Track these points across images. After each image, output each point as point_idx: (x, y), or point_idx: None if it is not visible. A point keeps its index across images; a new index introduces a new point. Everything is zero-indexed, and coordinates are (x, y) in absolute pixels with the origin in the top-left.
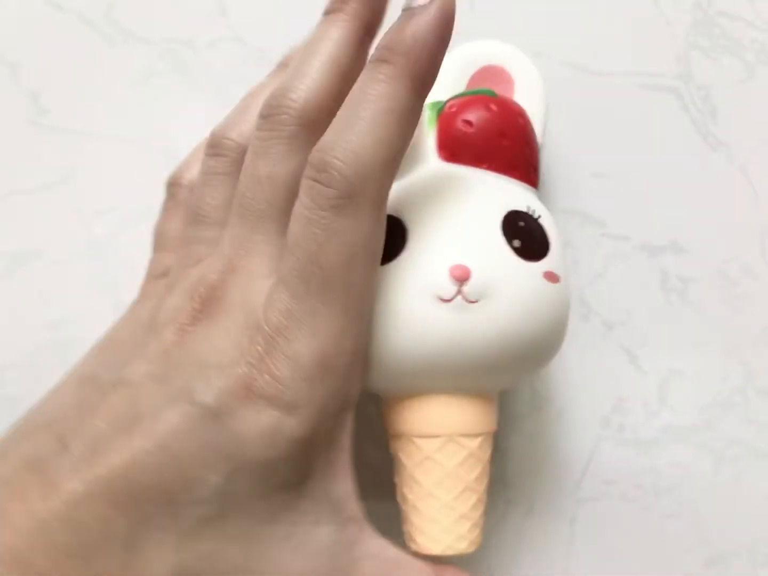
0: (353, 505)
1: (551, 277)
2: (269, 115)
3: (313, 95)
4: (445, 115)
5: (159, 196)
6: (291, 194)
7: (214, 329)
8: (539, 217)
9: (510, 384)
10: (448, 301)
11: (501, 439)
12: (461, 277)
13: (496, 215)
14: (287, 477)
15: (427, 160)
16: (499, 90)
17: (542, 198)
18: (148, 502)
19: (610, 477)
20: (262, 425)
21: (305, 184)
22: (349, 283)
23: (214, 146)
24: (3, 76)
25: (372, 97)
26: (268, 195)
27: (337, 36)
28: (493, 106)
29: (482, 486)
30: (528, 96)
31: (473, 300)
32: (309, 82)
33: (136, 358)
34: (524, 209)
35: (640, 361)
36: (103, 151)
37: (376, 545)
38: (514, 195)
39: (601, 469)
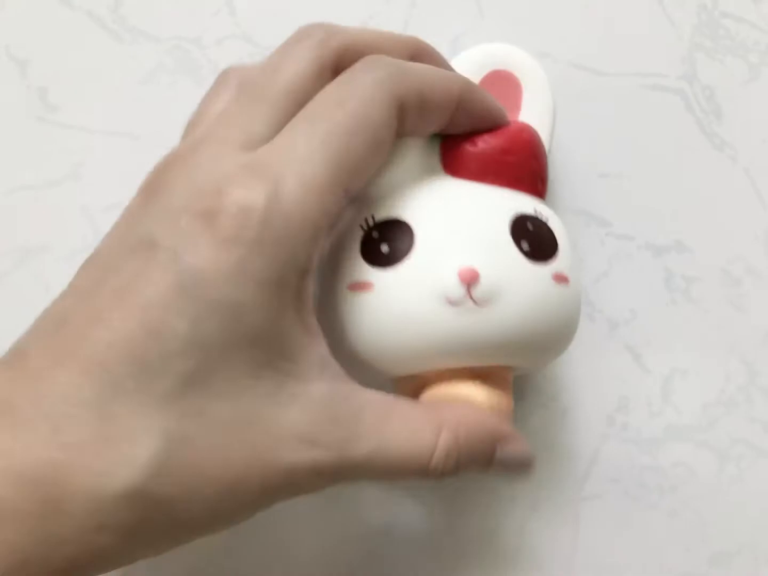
0: (337, 368)
1: (560, 278)
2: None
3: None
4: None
5: None
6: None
7: (180, 171)
8: (547, 219)
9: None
10: (457, 303)
11: None
12: (470, 279)
13: (504, 218)
14: (258, 324)
15: (433, 173)
16: (507, 94)
17: (548, 198)
18: (118, 363)
19: (614, 475)
20: (226, 263)
21: None
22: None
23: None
24: (12, 72)
25: None
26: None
27: None
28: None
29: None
30: (536, 100)
31: (482, 302)
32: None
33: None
34: (532, 212)
35: (644, 360)
36: (110, 147)
37: (374, 394)
38: (521, 200)
39: (605, 468)
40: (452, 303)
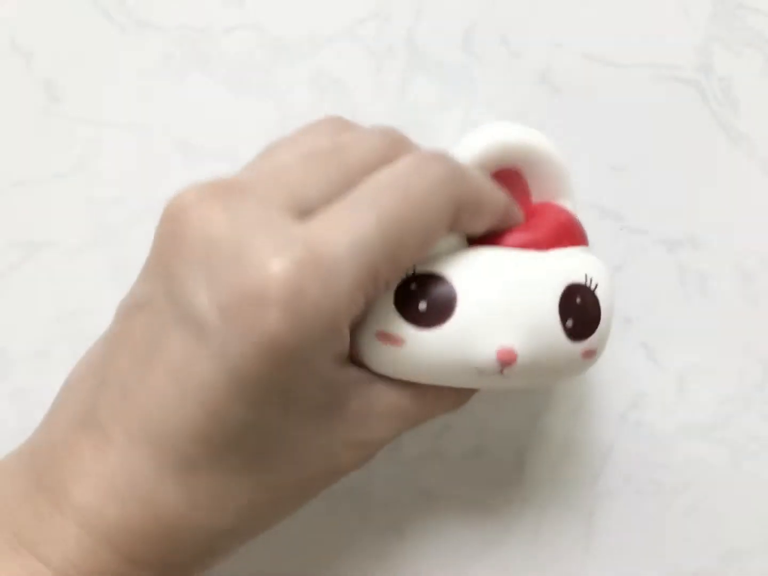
0: (364, 375)
1: (589, 354)
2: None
3: None
4: None
5: (173, 184)
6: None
7: (225, 229)
8: (596, 286)
9: None
10: (487, 375)
11: (519, 435)
12: (507, 362)
13: (555, 291)
14: (310, 395)
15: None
16: (515, 187)
17: None
18: (189, 444)
19: (628, 472)
20: (278, 350)
21: None
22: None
23: None
24: (17, 64)
25: None
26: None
27: None
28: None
29: None
30: (549, 185)
31: (509, 374)
32: None
33: (147, 272)
34: (582, 281)
35: (659, 356)
36: (117, 139)
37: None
38: (572, 263)
39: (618, 465)
40: (482, 374)
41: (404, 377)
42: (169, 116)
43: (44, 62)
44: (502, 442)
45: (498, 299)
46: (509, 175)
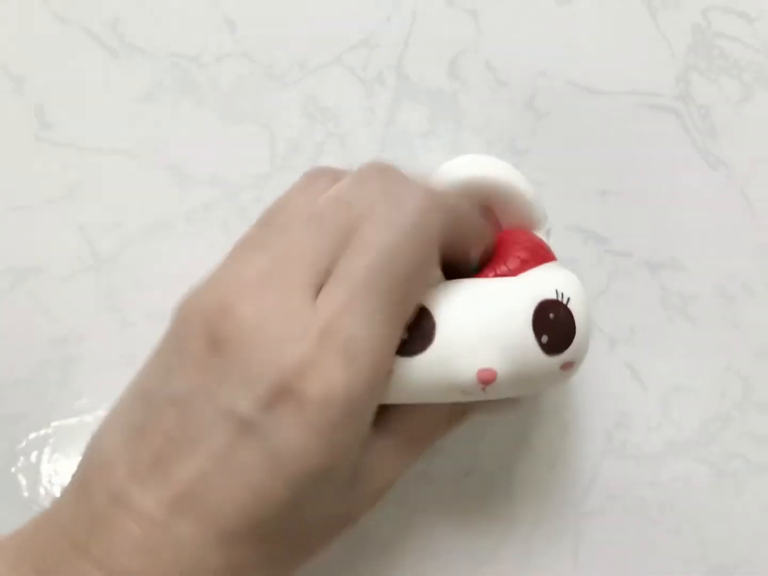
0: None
1: (568, 366)
2: None
3: None
4: None
5: (164, 211)
6: None
7: (250, 321)
8: (568, 300)
9: None
10: (470, 393)
11: (506, 454)
12: (488, 381)
13: (527, 309)
14: (342, 476)
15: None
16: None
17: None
18: (238, 524)
19: (614, 491)
20: (315, 442)
21: None
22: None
23: None
24: (8, 89)
25: None
26: None
27: None
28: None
29: None
30: (516, 213)
31: (493, 391)
32: None
33: (180, 369)
34: (553, 296)
35: (643, 377)
36: (108, 165)
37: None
38: (541, 281)
39: (605, 484)
40: (465, 392)
41: (393, 401)
42: (159, 142)
43: (35, 87)
44: (491, 461)
45: (474, 324)
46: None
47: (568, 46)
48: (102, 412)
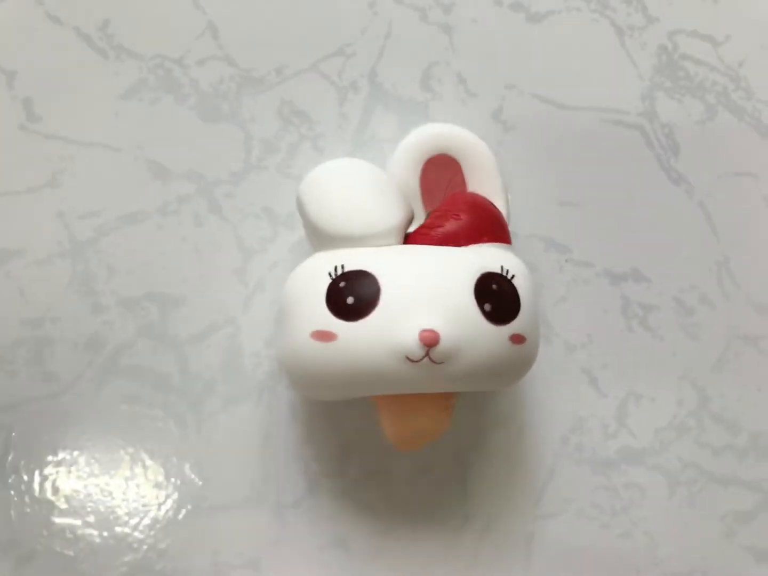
0: None
1: (518, 339)
2: None
3: None
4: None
5: (141, 203)
6: None
7: None
8: (513, 277)
9: None
10: (416, 361)
11: (461, 455)
12: (430, 342)
13: (469, 277)
14: None
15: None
16: (451, 175)
17: (511, 224)
18: None
19: (569, 495)
20: None
21: None
22: None
23: None
24: None
25: None
26: None
27: None
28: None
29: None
30: (483, 177)
31: (439, 361)
32: None
33: None
34: (498, 270)
35: (600, 384)
36: (90, 158)
37: None
38: (488, 256)
39: (559, 486)
40: (412, 361)
41: (342, 371)
42: (140, 138)
43: (26, 81)
44: (447, 461)
45: (417, 288)
46: (447, 161)
47: (538, 62)
48: (71, 394)
